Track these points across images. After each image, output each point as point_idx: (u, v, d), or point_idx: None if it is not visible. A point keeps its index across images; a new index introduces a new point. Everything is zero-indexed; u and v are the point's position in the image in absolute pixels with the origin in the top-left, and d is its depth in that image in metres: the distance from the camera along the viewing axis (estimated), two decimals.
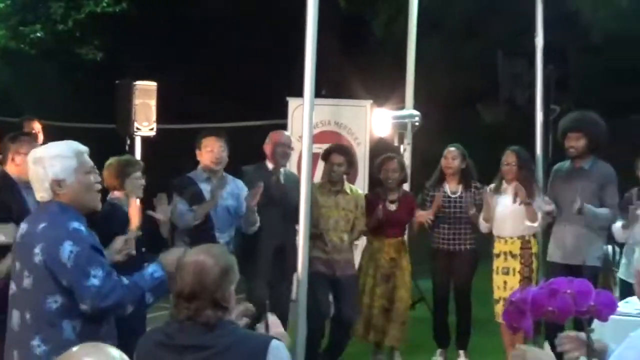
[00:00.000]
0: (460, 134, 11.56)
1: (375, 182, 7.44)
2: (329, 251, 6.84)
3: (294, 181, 6.64)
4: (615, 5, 14.32)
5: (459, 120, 15.89)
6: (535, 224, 6.87)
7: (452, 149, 7.34)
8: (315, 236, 6.54)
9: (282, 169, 6.86)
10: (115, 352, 2.23)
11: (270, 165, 6.82)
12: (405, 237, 7.40)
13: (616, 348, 3.19)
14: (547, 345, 3.21)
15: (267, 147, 6.85)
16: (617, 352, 3.10)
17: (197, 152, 6.46)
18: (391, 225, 7.09)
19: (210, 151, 6.37)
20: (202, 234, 6.01)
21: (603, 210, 6.76)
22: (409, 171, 7.78)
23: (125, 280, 3.67)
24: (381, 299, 7.05)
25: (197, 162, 6.50)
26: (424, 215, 7.17)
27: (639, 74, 15.20)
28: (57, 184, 3.69)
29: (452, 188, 7.31)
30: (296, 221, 6.34)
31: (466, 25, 16.16)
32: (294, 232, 6.82)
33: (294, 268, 6.79)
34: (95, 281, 3.56)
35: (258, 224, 6.47)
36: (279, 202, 6.60)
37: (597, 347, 3.35)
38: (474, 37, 16.23)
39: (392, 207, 7.15)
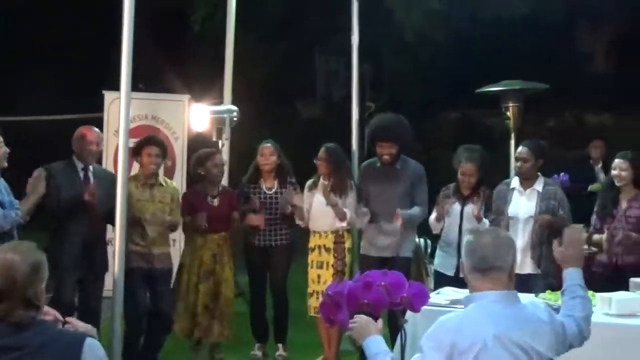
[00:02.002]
0: (277, 130, 11.68)
1: (194, 177, 7.36)
2: (146, 245, 6.74)
3: (104, 177, 6.52)
4: (428, 7, 14.82)
5: (276, 116, 16.01)
6: (344, 224, 7.00)
7: (268, 145, 7.36)
8: (132, 230, 6.43)
9: (90, 166, 6.66)
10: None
11: (78, 163, 6.61)
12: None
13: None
14: (380, 321, 3.30)
15: (75, 144, 6.64)
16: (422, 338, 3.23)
17: None
18: (214, 221, 7.06)
19: None
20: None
21: (416, 210, 6.97)
22: (227, 167, 7.78)
23: None
24: (205, 296, 7.00)
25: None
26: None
27: (448, 74, 15.82)
28: None
29: (267, 184, 7.34)
30: (107, 218, 6.23)
31: (283, 22, 16.29)
32: (104, 229, 6.72)
33: (104, 265, 6.70)
34: None
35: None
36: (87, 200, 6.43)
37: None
38: (291, 34, 16.39)
39: (215, 202, 7.12)
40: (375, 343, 3.24)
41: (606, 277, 6.35)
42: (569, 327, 3.54)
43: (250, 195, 7.22)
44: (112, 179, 5.93)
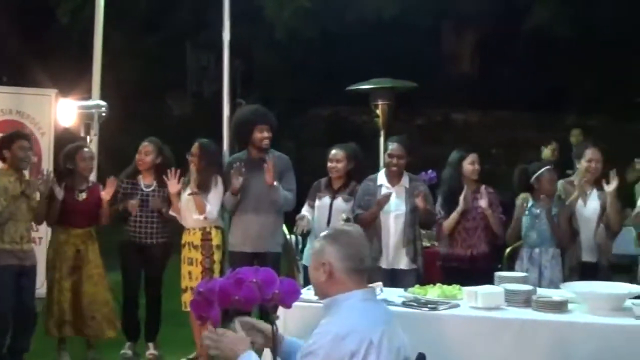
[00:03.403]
0: (148, 126, 11.51)
1: (63, 172, 7.18)
2: (17, 241, 6.55)
3: None
4: (299, 4, 14.91)
5: (147, 112, 15.80)
6: (202, 217, 6.94)
7: (145, 144, 7.26)
8: (3, 227, 6.26)
9: None
10: None
11: None
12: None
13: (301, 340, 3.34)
14: (237, 324, 3.28)
15: None
16: (305, 350, 3.23)
17: None
18: (78, 215, 6.91)
19: None
20: None
21: (289, 194, 6.95)
22: (96, 162, 7.64)
23: None
24: (69, 292, 6.86)
25: None
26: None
27: (319, 71, 15.95)
28: None
29: (146, 182, 7.25)
30: None
31: (154, 16, 16.10)
32: None
33: None
34: None
35: None
36: None
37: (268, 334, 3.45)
38: (162, 29, 16.20)
39: (82, 196, 6.98)
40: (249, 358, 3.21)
41: (458, 269, 6.54)
42: None
43: (128, 192, 7.11)
44: None
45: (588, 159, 6.71)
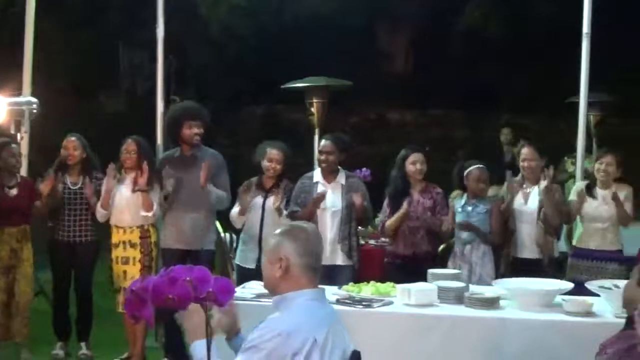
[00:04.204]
0: (82, 123, 11.35)
1: None
2: None
3: None
4: (233, 1, 14.86)
5: (80, 109, 15.58)
6: (150, 214, 6.89)
7: (72, 138, 7.17)
8: None
9: None
10: None
11: None
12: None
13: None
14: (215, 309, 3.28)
15: None
16: (249, 343, 3.23)
17: None
18: (12, 213, 6.79)
19: None
20: None
21: (220, 191, 6.91)
22: (26, 160, 7.53)
23: None
24: (4, 293, 6.74)
25: None
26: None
27: (254, 69, 15.93)
28: None
29: (72, 179, 7.15)
30: None
31: (87, 12, 15.90)
32: None
33: None
34: None
35: None
36: None
37: (233, 322, 3.47)
38: (95, 25, 16.00)
39: (12, 192, 6.87)
40: (201, 348, 3.20)
41: (402, 267, 6.60)
42: None
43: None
44: None
45: (522, 159, 6.83)
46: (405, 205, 6.70)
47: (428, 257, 6.65)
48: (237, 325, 3.48)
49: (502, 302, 5.17)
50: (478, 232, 6.58)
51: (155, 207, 6.87)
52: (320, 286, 3.44)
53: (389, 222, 6.81)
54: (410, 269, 6.32)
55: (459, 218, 6.73)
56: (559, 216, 6.69)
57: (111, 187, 6.91)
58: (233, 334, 3.48)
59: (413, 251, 6.72)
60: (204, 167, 6.68)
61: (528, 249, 6.71)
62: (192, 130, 6.89)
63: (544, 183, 6.58)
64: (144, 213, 6.86)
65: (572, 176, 8.61)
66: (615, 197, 6.54)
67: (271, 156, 6.93)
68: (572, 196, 6.86)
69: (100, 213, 6.98)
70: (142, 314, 3.18)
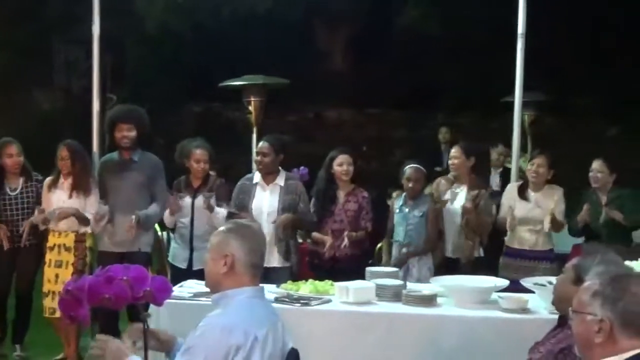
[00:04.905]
0: (15, 121, 11.18)
1: None
2: None
3: None
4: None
5: (13, 106, 15.31)
6: (88, 229, 6.78)
7: (14, 146, 7.01)
8: None
9: None
10: None
11: None
12: None
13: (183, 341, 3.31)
14: (125, 334, 3.25)
15: None
16: (190, 343, 3.21)
17: None
18: None
19: None
20: None
21: (153, 209, 6.81)
22: None
23: None
24: None
25: None
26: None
27: (191, 67, 15.83)
28: None
29: (12, 185, 7.01)
30: None
31: (21, 8, 15.63)
32: None
33: None
34: None
35: None
36: None
37: (163, 338, 3.44)
38: (29, 21, 15.74)
39: None
40: None
41: (325, 269, 6.61)
42: None
43: None
44: None
45: (449, 157, 6.93)
46: (329, 241, 6.71)
47: (349, 260, 6.64)
48: (164, 343, 3.44)
49: (439, 300, 5.21)
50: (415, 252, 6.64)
51: (91, 220, 6.76)
52: (260, 284, 3.44)
53: (313, 235, 6.83)
54: (330, 271, 6.35)
55: (396, 219, 6.76)
56: (481, 228, 6.75)
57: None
58: (168, 350, 3.44)
59: (334, 253, 6.72)
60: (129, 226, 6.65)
61: (450, 249, 6.79)
62: (122, 134, 6.83)
63: (468, 200, 6.66)
64: (82, 229, 6.78)
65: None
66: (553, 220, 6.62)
67: (197, 157, 6.90)
68: (505, 198, 6.94)
69: (36, 218, 6.86)
70: (78, 313, 3.14)
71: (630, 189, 6.94)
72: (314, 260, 6.84)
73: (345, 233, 6.66)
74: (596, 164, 6.87)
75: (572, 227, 6.94)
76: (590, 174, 6.88)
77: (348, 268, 5.92)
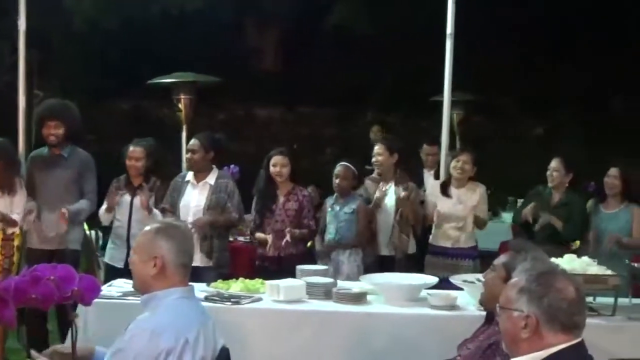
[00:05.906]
0: None
1: None
2: None
3: None
4: None
5: None
6: (16, 229, 6.66)
7: None
8: None
9: None
10: None
11: None
12: None
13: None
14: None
15: None
16: (119, 346, 3.18)
17: None
18: None
19: None
20: None
21: (82, 204, 6.77)
22: None
23: None
24: None
25: None
26: None
27: (120, 64, 15.65)
28: None
29: None
30: None
31: None
32: None
33: None
34: None
35: None
36: None
37: (81, 354, 3.38)
38: None
39: None
40: None
41: (272, 270, 6.60)
42: None
43: None
44: None
45: (372, 155, 6.98)
46: (269, 240, 6.69)
47: (294, 259, 6.65)
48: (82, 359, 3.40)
49: (369, 297, 5.25)
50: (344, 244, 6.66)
51: (19, 221, 6.63)
52: (190, 283, 3.42)
53: (260, 236, 6.80)
54: (276, 271, 6.36)
55: (328, 217, 6.79)
56: (417, 217, 6.83)
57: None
58: None
59: (278, 254, 6.71)
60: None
61: (384, 246, 6.84)
62: (49, 131, 6.78)
63: (403, 191, 6.72)
64: (10, 230, 6.65)
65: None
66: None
67: (131, 154, 6.87)
68: (429, 194, 7.01)
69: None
70: (4, 314, 3.09)
71: (582, 200, 7.00)
72: (263, 262, 6.78)
73: (287, 229, 6.66)
74: (554, 163, 6.92)
75: (517, 218, 7.12)
76: (547, 172, 6.96)
77: (294, 268, 5.90)
